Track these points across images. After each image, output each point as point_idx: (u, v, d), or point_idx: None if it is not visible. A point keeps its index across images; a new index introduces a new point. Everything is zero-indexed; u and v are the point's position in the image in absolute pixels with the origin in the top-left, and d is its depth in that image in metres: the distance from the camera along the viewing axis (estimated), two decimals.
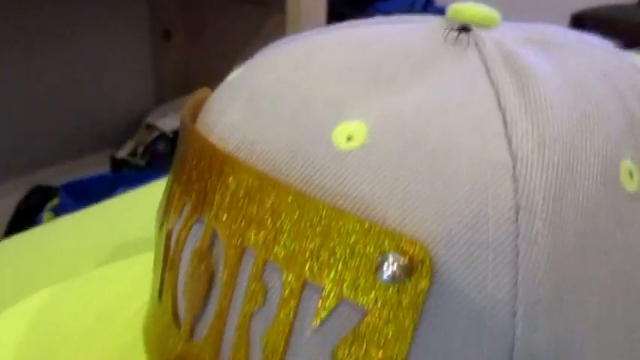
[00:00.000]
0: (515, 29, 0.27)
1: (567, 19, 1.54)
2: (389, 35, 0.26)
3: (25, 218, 1.00)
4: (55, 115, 1.20)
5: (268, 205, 0.21)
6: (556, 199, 0.20)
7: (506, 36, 0.26)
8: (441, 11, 1.41)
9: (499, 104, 0.21)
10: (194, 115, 0.28)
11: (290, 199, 0.21)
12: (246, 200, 0.22)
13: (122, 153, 1.19)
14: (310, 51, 0.25)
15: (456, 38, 0.24)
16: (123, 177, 0.95)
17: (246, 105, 0.24)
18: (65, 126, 1.22)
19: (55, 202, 0.86)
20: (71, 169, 1.22)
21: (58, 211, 0.84)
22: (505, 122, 0.21)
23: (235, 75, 0.28)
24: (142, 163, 1.15)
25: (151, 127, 1.19)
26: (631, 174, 0.22)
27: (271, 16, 1.19)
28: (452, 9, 0.27)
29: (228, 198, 0.22)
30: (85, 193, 0.85)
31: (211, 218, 0.23)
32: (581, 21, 1.52)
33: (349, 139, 0.21)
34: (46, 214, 0.85)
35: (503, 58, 0.23)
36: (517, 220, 0.19)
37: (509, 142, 0.20)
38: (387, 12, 1.28)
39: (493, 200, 0.19)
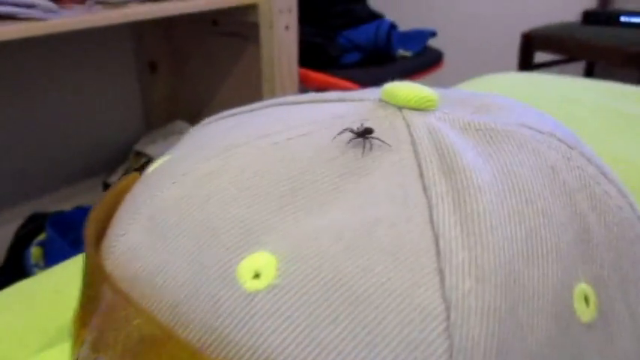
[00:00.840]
0: (455, 109, 0.22)
1: (518, 38, 1.49)
2: (317, 128, 0.20)
3: (23, 245, 0.94)
4: (51, 145, 1.14)
5: (164, 358, 0.16)
6: (500, 353, 0.14)
7: (444, 121, 0.20)
8: (403, 37, 1.35)
9: (432, 222, 0.16)
10: (107, 218, 0.22)
11: (186, 356, 0.15)
12: (141, 348, 0.16)
13: (114, 178, 1.13)
14: (227, 151, 0.20)
15: (363, 149, 0.19)
16: None
17: (147, 225, 0.19)
18: (61, 155, 1.16)
19: (42, 236, 0.79)
20: (67, 194, 1.16)
21: (46, 245, 0.78)
22: (438, 251, 0.16)
23: (154, 167, 0.22)
24: None
25: (139, 154, 1.13)
26: (586, 299, 0.17)
27: (247, 48, 1.14)
28: (386, 91, 0.22)
29: (121, 344, 0.17)
30: (71, 227, 0.79)
31: None
32: (530, 39, 1.47)
33: (256, 276, 0.16)
34: (33, 248, 0.78)
35: (438, 155, 0.18)
36: None
37: (442, 280, 0.15)
38: (355, 40, 1.22)
39: None
